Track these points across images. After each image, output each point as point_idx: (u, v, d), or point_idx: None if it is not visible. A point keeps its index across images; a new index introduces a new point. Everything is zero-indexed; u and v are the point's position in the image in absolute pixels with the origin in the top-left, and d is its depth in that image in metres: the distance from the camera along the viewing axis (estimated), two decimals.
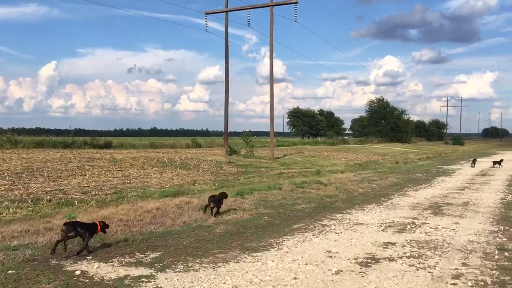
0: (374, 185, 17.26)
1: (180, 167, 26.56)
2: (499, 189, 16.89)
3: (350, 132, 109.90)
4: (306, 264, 6.46)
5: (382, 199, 13.64)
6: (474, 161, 31.94)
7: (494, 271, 6.26)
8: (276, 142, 71.37)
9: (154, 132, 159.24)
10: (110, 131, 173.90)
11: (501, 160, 31.83)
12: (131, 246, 7.32)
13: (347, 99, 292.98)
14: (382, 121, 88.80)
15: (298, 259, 6.71)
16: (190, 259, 6.67)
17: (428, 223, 9.71)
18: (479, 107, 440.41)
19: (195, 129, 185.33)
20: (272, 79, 35.31)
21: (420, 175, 23.39)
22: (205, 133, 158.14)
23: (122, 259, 6.62)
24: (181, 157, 31.29)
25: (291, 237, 8.21)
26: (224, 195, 10.58)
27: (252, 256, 6.86)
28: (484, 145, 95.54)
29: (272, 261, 6.57)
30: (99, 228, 7.11)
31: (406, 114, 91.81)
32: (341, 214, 10.72)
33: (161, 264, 6.37)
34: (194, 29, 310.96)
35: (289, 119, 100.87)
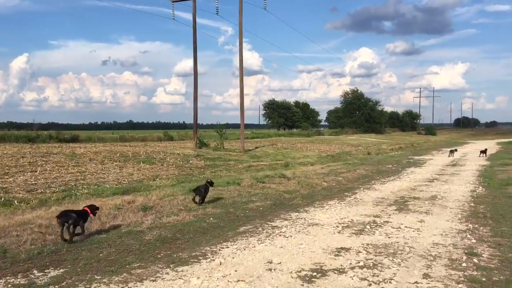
0: (340, 178, 16.23)
1: (144, 161, 25.15)
2: (469, 180, 16.07)
3: (326, 123, 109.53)
4: (238, 281, 5.26)
5: (346, 193, 12.58)
6: (452, 151, 30.41)
7: (460, 285, 5.20)
8: (250, 134, 70.23)
9: (130, 125, 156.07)
10: (85, 124, 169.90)
11: (486, 150, 31.03)
12: (32, 261, 6.01)
13: (323, 91, 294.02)
14: (357, 112, 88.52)
15: (230, 273, 5.52)
16: (98, 277, 5.39)
17: (391, 222, 8.65)
18: (451, 98, 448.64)
19: (171, 122, 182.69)
20: (241, 69, 34.01)
21: (390, 166, 22.54)
22: (181, 126, 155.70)
23: (12, 280, 5.30)
24: (147, 151, 29.84)
25: (232, 243, 7.01)
26: (210, 184, 10.97)
27: (176, 271, 5.63)
28: (456, 135, 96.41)
29: (198, 278, 5.36)
30: (90, 212, 7.52)
31: (380, 105, 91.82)
32: (297, 213, 9.58)
33: (57, 287, 5.09)
34: (170, 21, 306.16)
35: (264, 111, 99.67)
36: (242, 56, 33.70)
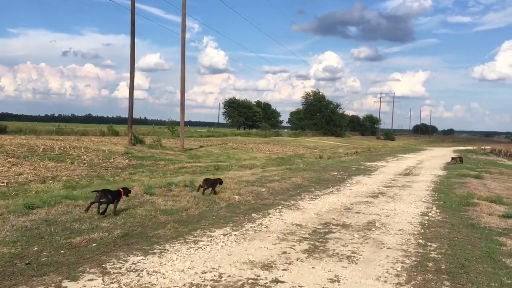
0: (264, 190, 12.57)
1: (53, 158, 20.95)
2: (421, 196, 12.75)
3: (289, 125, 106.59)
4: None
5: (253, 215, 8.86)
6: (455, 159, 28.22)
7: None
8: (205, 133, 66.19)
9: (89, 119, 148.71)
10: (41, 116, 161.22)
11: (461, 158, 29.09)
12: None
13: (288, 93, 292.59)
14: (317, 114, 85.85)
15: None
16: None
17: (283, 283, 4.99)
18: (411, 105, 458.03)
19: (133, 117, 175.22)
20: (183, 58, 30.01)
21: (336, 173, 19.15)
22: (143, 122, 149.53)
23: None
24: (68, 146, 25.51)
25: None
26: (219, 181, 11.35)
27: None
28: (414, 141, 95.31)
29: None
30: (122, 194, 8.25)
31: (341, 108, 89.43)
32: (139, 258, 5.76)
33: None
34: (135, 14, 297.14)
35: (225, 110, 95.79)
36: (184, 43, 29.72)
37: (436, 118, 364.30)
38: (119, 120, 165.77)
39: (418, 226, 8.44)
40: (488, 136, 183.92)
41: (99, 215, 7.69)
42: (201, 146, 36.56)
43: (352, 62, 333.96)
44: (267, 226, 7.86)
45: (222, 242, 6.60)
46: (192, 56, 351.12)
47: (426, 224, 8.60)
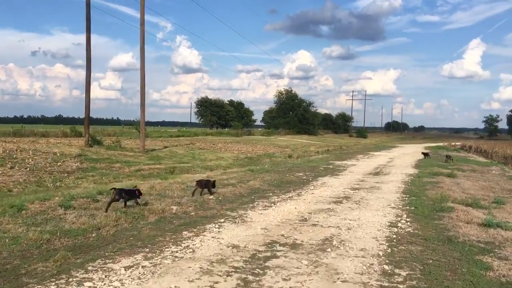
0: (212, 197, 10.78)
1: None
2: (390, 200, 11.20)
3: (263, 124, 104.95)
4: None
5: (185, 233, 7.01)
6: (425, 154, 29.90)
7: None
8: (175, 133, 63.88)
9: (59, 120, 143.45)
10: (9, 118, 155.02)
11: (428, 153, 30.38)
12: None
13: (262, 91, 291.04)
14: (290, 112, 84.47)
15: None
16: None
17: None
18: (383, 102, 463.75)
19: (105, 118, 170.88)
20: (143, 53, 27.89)
21: (301, 174, 17.54)
22: (115, 122, 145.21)
23: None
24: (16, 149, 23.24)
25: None
26: (212, 184, 11.15)
27: None
28: (386, 138, 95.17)
29: None
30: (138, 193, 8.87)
31: (314, 107, 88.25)
32: None
33: None
34: (107, 13, 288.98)
35: (197, 109, 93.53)
36: (143, 39, 27.61)
37: (407, 115, 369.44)
38: (91, 121, 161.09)
39: (384, 242, 6.81)
40: (457, 132, 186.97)
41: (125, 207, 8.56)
42: (165, 147, 34.47)
43: (324, 61, 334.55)
44: (194, 250, 6.06)
45: (119, 281, 4.77)
46: (165, 55, 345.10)
47: (395, 240, 6.97)
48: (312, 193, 12.26)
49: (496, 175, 20.20)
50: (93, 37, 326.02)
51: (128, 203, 8.73)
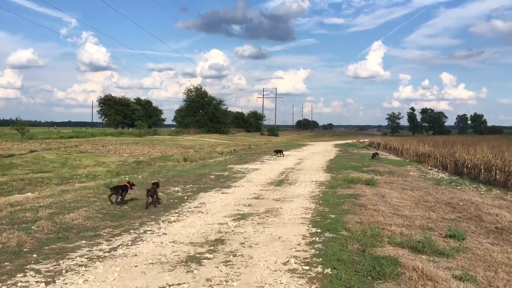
0: None
1: None
2: (291, 245, 6.33)
3: (174, 123, 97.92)
4: None
5: None
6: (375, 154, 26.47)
7: None
8: (69, 134, 55.29)
9: None
10: None
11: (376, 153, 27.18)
12: None
13: (175, 90, 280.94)
14: (200, 111, 78.77)
15: None
16: None
17: None
18: (294, 101, 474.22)
19: (2, 118, 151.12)
20: None
21: (178, 189, 12.40)
22: (15, 123, 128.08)
23: None
24: None
25: None
26: (157, 185, 10.10)
27: None
28: (297, 136, 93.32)
29: None
30: (129, 186, 9.74)
31: (224, 105, 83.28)
32: None
33: None
34: (4, 7, 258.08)
35: (100, 108, 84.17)
36: None
37: (317, 113, 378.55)
38: None
39: None
40: (362, 129, 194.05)
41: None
42: (32, 151, 27.22)
43: (237, 60, 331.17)
44: None
45: None
46: (70, 52, 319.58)
47: None
48: (164, 234, 7.02)
49: (418, 178, 16.62)
50: None
51: None
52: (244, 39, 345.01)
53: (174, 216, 8.45)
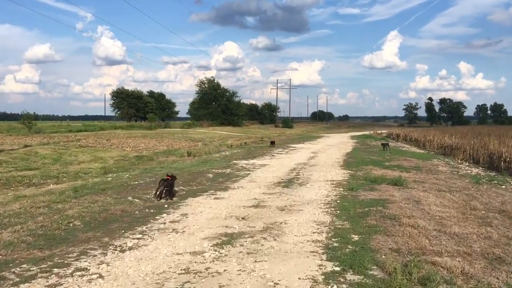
0: None
1: None
2: (302, 277, 3.84)
3: (188, 115, 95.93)
4: None
5: None
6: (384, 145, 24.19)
7: None
8: (77, 127, 53.58)
9: None
10: None
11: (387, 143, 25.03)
12: None
13: (190, 83, 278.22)
14: (213, 103, 76.48)
15: None
16: None
17: None
18: (309, 93, 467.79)
19: (20, 113, 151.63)
20: None
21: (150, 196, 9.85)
22: (34, 118, 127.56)
23: None
24: None
25: None
26: (174, 178, 9.63)
27: None
28: (312, 128, 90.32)
29: None
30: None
31: (237, 96, 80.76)
32: None
33: None
34: (21, 2, 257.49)
35: (113, 101, 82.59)
36: None
37: (332, 105, 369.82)
38: (3, 116, 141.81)
39: None
40: (378, 121, 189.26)
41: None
42: (26, 146, 25.26)
43: (251, 52, 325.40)
44: None
45: None
46: (86, 46, 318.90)
47: None
48: (100, 277, 4.58)
49: (451, 175, 13.94)
50: (6, 27, 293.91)
51: None
52: (258, 31, 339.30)
53: (134, 239, 6.04)
